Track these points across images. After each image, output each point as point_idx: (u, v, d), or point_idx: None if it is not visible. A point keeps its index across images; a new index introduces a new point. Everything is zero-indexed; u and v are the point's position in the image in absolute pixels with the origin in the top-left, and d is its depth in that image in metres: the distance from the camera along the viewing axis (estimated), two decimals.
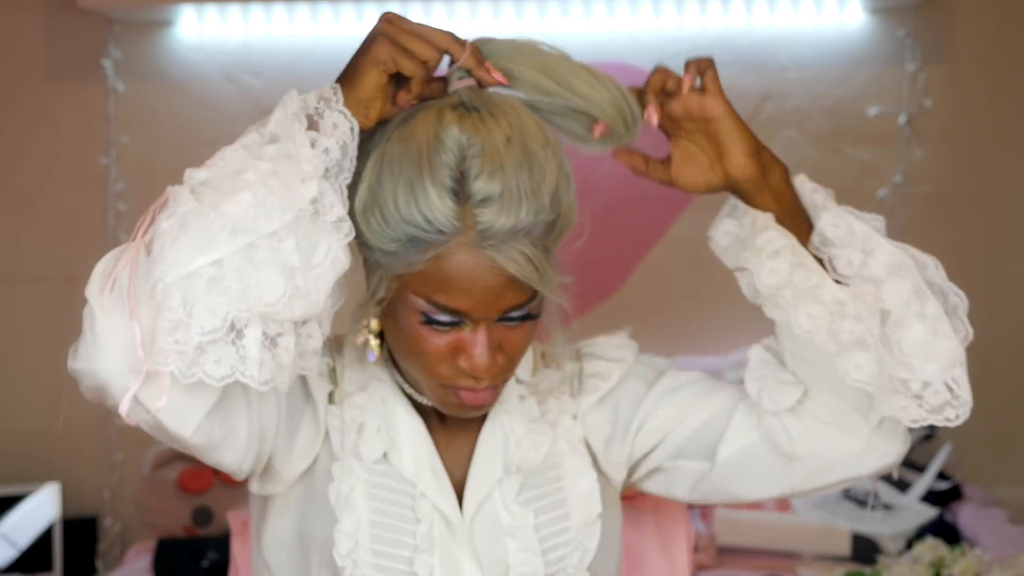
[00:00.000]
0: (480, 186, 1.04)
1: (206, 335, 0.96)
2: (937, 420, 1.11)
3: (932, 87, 3.28)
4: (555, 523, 1.20)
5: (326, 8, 3.26)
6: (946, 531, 2.79)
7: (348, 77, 1.07)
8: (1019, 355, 3.33)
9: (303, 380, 1.18)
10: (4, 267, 3.40)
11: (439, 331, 1.10)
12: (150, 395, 1.00)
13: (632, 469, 1.26)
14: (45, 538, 3.15)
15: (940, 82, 3.28)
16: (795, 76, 3.31)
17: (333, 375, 1.21)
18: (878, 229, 1.15)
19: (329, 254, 1.01)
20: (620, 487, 1.28)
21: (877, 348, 1.07)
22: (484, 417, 1.22)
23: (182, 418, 1.03)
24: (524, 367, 1.25)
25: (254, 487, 1.20)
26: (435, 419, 1.22)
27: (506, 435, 1.21)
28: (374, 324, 1.15)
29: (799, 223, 1.15)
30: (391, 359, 1.21)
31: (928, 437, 3.13)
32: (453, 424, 1.22)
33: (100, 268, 1.07)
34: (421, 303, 1.08)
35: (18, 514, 3.02)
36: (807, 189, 1.19)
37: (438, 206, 1.04)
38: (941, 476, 3.00)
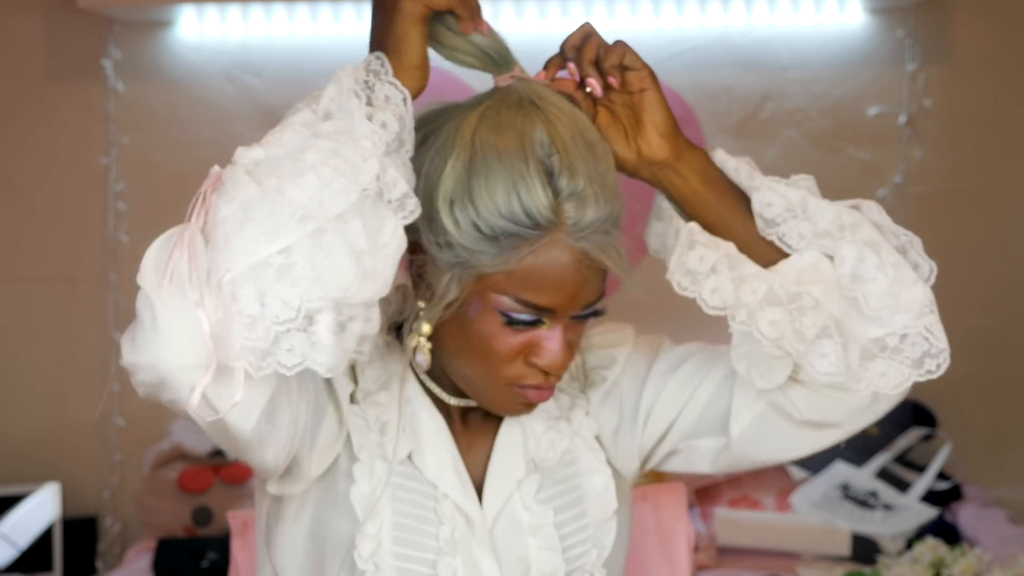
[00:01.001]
0: (565, 182, 1.04)
1: (281, 325, 0.93)
2: (919, 375, 1.14)
3: (932, 87, 3.28)
4: (574, 521, 1.20)
5: (326, 8, 3.26)
6: (946, 531, 2.79)
7: (388, 45, 1.05)
8: (1019, 355, 3.33)
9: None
10: (4, 267, 3.40)
11: (518, 331, 1.08)
12: (220, 391, 0.97)
13: (646, 458, 1.25)
14: (45, 538, 3.15)
15: (940, 82, 3.28)
16: (795, 76, 3.31)
17: (352, 373, 1.18)
18: (810, 189, 1.14)
19: (395, 234, 0.99)
20: (632, 478, 1.27)
21: (840, 327, 1.06)
22: (500, 417, 1.21)
23: (245, 413, 1.00)
24: None
25: (272, 487, 1.16)
26: (456, 419, 1.20)
27: (525, 434, 1.20)
28: (426, 328, 1.11)
29: (734, 200, 1.12)
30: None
31: (928, 437, 3.13)
32: (473, 425, 1.21)
33: (153, 255, 1.02)
34: (507, 302, 1.06)
35: (18, 514, 3.02)
36: (729, 168, 1.14)
37: (539, 199, 1.03)
38: (941, 476, 3.00)
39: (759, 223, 1.09)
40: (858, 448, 3.05)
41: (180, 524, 3.06)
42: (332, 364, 0.96)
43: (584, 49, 1.14)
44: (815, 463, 3.00)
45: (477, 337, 1.09)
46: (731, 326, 1.11)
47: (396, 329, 1.19)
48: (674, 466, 1.25)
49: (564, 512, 1.20)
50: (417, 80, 1.05)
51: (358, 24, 3.28)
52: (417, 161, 1.06)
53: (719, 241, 1.10)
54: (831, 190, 3.62)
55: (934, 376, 1.14)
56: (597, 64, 1.14)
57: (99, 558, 3.35)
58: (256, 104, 3.35)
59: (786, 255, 1.09)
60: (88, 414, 3.41)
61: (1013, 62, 3.29)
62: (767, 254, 1.09)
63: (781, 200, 1.10)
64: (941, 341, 1.15)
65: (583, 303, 1.09)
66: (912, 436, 3.08)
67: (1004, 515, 2.95)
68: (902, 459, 3.08)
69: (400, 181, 0.99)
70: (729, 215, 1.10)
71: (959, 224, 3.31)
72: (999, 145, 3.31)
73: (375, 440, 1.15)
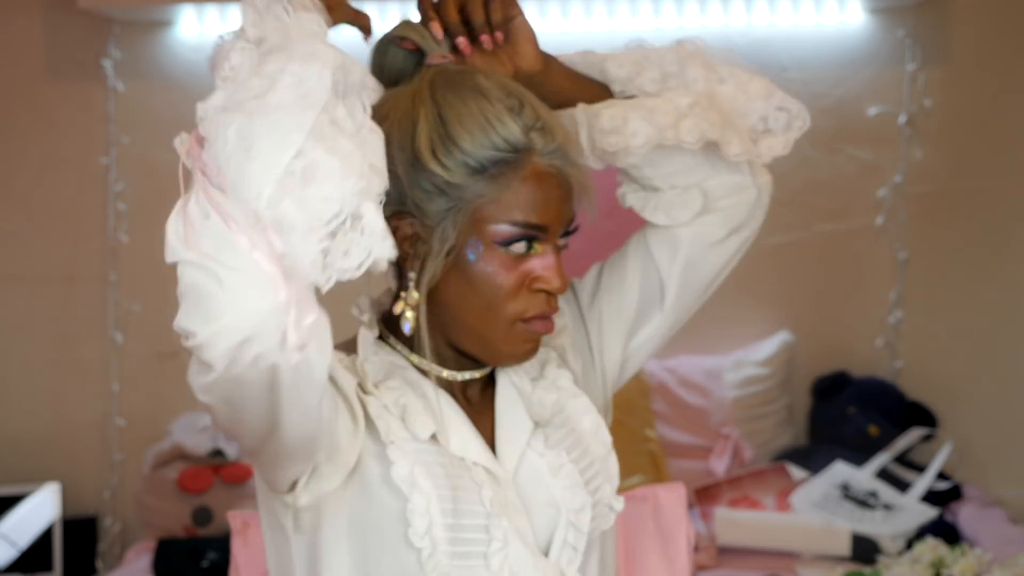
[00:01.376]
0: (528, 115, 1.15)
1: (330, 224, 0.96)
2: (792, 136, 1.30)
3: (932, 87, 3.28)
4: (582, 459, 1.24)
5: None
6: (946, 531, 2.79)
7: None
8: (1019, 355, 3.33)
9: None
10: (4, 267, 3.40)
11: (516, 260, 1.15)
12: (301, 318, 0.97)
13: (613, 378, 1.36)
14: (45, 538, 3.15)
15: (940, 82, 3.28)
16: (795, 76, 3.31)
17: (354, 367, 1.20)
18: (642, 44, 1.31)
19: (367, 112, 1.04)
20: (608, 399, 1.36)
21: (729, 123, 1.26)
22: (492, 384, 1.26)
23: (322, 347, 1.00)
24: None
25: (303, 499, 1.14)
26: (459, 396, 1.24)
27: (521, 394, 1.25)
28: (414, 296, 1.17)
29: (593, 84, 1.31)
30: (408, 342, 1.22)
31: (928, 437, 3.13)
32: (473, 400, 1.25)
33: (172, 230, 1.06)
34: (504, 229, 1.14)
35: (18, 514, 3.02)
36: (577, 62, 1.32)
37: (513, 128, 1.14)
38: (941, 476, 3.01)
39: (616, 88, 1.30)
40: (858, 448, 3.05)
41: (180, 524, 3.06)
42: (392, 253, 1.00)
43: (445, 9, 1.23)
44: (815, 463, 3.00)
45: (480, 278, 1.16)
46: (640, 171, 1.31)
47: (385, 325, 1.24)
48: (635, 363, 1.37)
49: (572, 452, 1.24)
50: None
51: None
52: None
53: (609, 100, 1.28)
54: (831, 190, 3.62)
55: (802, 132, 1.31)
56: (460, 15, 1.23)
57: (99, 558, 3.36)
58: None
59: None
60: (88, 414, 3.41)
61: (1013, 62, 3.29)
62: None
63: (626, 60, 1.30)
64: (795, 105, 1.31)
65: (566, 220, 1.19)
66: (912, 436, 3.08)
67: (1004, 515, 2.95)
68: (902, 459, 3.08)
69: (356, 64, 1.04)
70: (596, 96, 1.29)
71: (959, 224, 3.32)
72: (999, 145, 3.31)
73: (399, 423, 1.17)
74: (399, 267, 1.20)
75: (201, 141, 1.04)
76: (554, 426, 1.25)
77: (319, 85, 0.97)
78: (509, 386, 1.26)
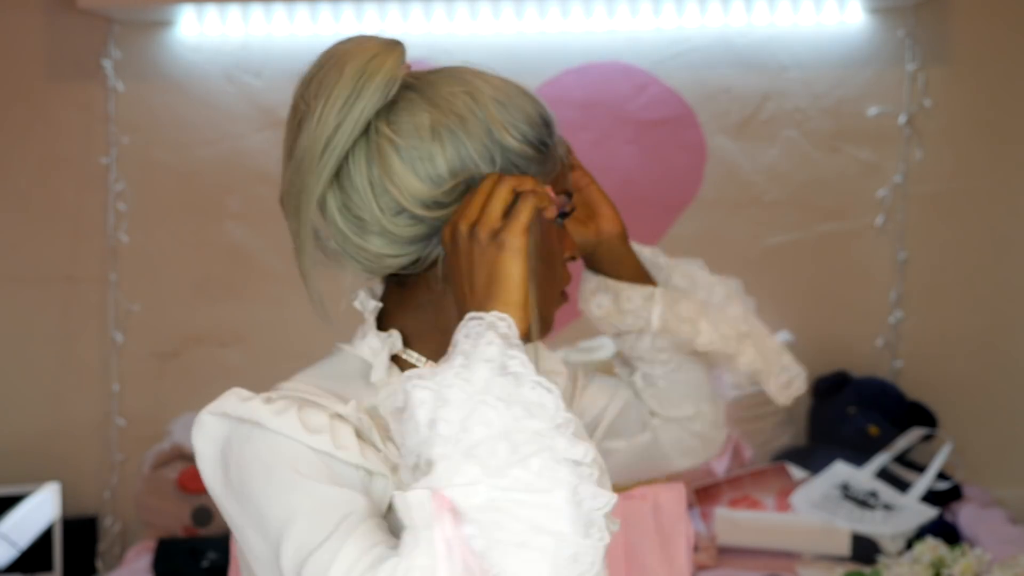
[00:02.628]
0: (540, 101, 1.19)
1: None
2: (790, 394, 1.55)
3: (932, 87, 3.28)
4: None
5: (326, 8, 3.26)
6: (946, 531, 2.79)
7: (492, 291, 1.03)
8: (1019, 355, 3.33)
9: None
10: (4, 267, 3.40)
11: (562, 231, 1.19)
12: None
13: None
14: (45, 538, 3.15)
15: (940, 82, 3.28)
16: (795, 76, 3.31)
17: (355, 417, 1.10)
18: (702, 267, 1.47)
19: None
20: None
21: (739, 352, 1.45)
22: None
23: None
24: None
25: None
26: None
27: None
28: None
29: (645, 278, 1.40)
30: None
31: (928, 437, 3.13)
32: None
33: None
34: (561, 201, 1.15)
35: (18, 514, 3.02)
36: (646, 253, 1.42)
37: (549, 119, 1.17)
38: (941, 476, 3.00)
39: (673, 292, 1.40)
40: (858, 448, 3.05)
41: (180, 524, 3.06)
42: None
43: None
44: (815, 463, 3.00)
45: (548, 253, 1.15)
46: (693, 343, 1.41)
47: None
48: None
49: None
50: (526, 320, 1.03)
51: (358, 24, 3.28)
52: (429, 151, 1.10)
53: (685, 292, 1.40)
54: (831, 190, 3.62)
55: (801, 393, 1.58)
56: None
57: (99, 558, 3.35)
58: (256, 104, 3.35)
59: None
60: (88, 414, 3.42)
61: (1013, 62, 3.29)
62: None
63: (684, 272, 1.45)
64: (795, 369, 1.56)
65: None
66: (912, 436, 3.08)
67: (1004, 515, 2.95)
68: (902, 459, 3.08)
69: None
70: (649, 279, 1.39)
71: (959, 224, 3.31)
72: (999, 145, 3.31)
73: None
74: (404, 279, 1.15)
75: (454, 515, 0.92)
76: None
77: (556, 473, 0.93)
78: None
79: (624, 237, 1.35)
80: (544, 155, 1.13)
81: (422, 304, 1.14)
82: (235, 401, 1.05)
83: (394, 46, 1.10)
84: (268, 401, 1.05)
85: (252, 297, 3.38)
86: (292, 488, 1.00)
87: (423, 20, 3.28)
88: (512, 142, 1.10)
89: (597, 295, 1.38)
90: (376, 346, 1.14)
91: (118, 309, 3.38)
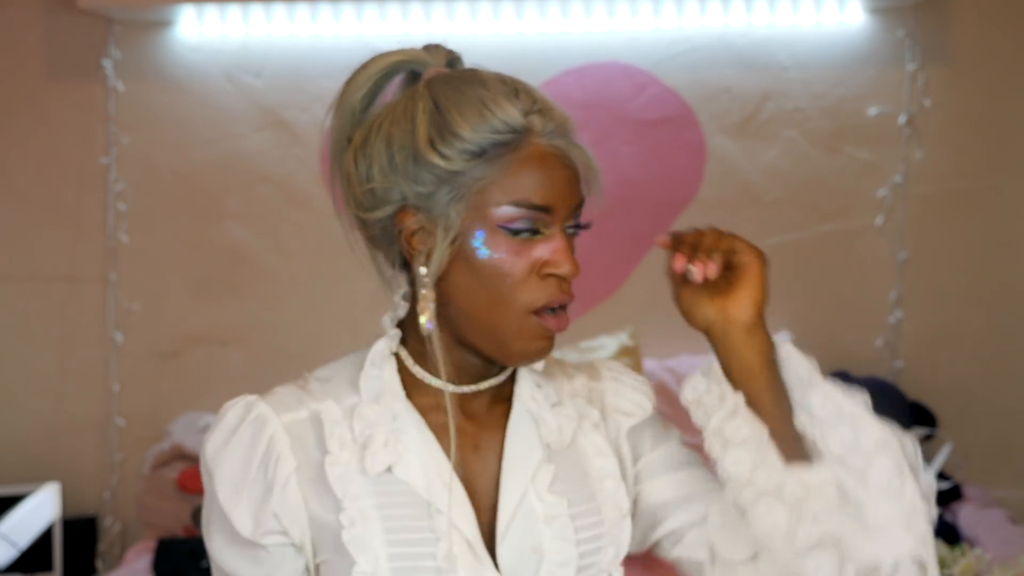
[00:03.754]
0: (524, 99, 1.15)
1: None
2: None
3: (932, 87, 3.28)
4: (588, 515, 1.20)
5: (326, 8, 3.26)
6: (946, 531, 2.79)
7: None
8: (1019, 355, 3.33)
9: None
10: (4, 267, 3.40)
11: (522, 244, 1.13)
12: None
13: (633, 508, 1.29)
14: (45, 538, 3.15)
15: (940, 82, 3.28)
16: (795, 76, 3.31)
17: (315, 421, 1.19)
18: (863, 403, 1.17)
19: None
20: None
21: (839, 543, 1.10)
22: (508, 409, 1.22)
23: None
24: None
25: None
26: (460, 414, 1.20)
27: (535, 419, 1.22)
28: (425, 293, 1.16)
29: (779, 386, 1.17)
30: (420, 350, 1.19)
31: (928, 437, 3.13)
32: (478, 418, 1.21)
33: None
34: (507, 211, 1.12)
35: (18, 514, 3.02)
36: (794, 363, 1.18)
37: (510, 110, 1.13)
38: (941, 476, 3.00)
39: (803, 418, 1.15)
40: None
41: (180, 524, 3.06)
42: None
43: (700, 240, 1.19)
44: None
45: (487, 267, 1.14)
46: (733, 497, 1.17)
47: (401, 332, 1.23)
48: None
49: (578, 505, 1.20)
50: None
51: (358, 24, 3.28)
52: (373, 147, 1.16)
53: (758, 421, 1.16)
54: (831, 190, 3.62)
55: None
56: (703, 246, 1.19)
57: (99, 558, 3.35)
58: (256, 104, 3.35)
59: (801, 453, 1.14)
60: (88, 414, 3.42)
61: (1013, 62, 3.29)
62: (785, 448, 1.14)
63: (835, 405, 1.15)
64: (932, 564, 1.14)
65: (572, 204, 1.16)
66: (912, 436, 3.08)
67: (1004, 515, 2.95)
68: None
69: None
70: (770, 398, 1.16)
71: (959, 224, 3.32)
72: (999, 145, 3.31)
73: (356, 456, 1.16)
74: (409, 268, 1.19)
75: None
76: (566, 472, 1.21)
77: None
78: (523, 414, 1.22)
79: (752, 330, 1.16)
80: (488, 155, 1.13)
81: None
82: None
83: (420, 49, 1.21)
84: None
85: (252, 297, 3.38)
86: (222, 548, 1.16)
87: (423, 20, 3.28)
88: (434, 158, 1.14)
89: (698, 376, 1.23)
90: (382, 346, 1.21)
91: (118, 309, 3.38)
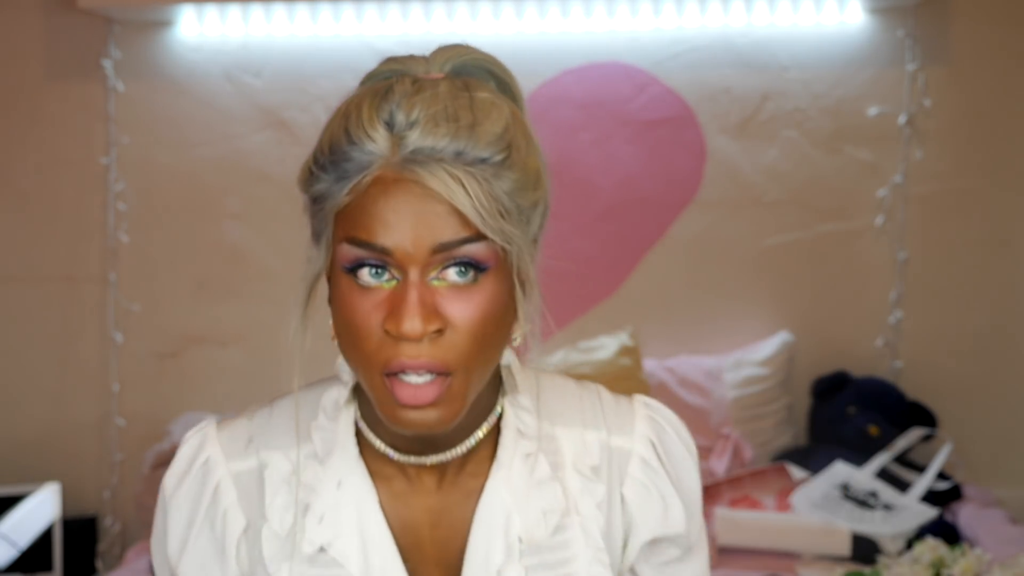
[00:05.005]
0: (405, 110, 0.94)
1: None
2: None
3: (932, 87, 3.28)
4: None
5: (326, 8, 3.26)
6: (946, 531, 2.78)
7: None
8: (1019, 355, 3.33)
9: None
10: (4, 267, 3.40)
11: (364, 289, 0.94)
12: None
13: None
14: (45, 538, 3.15)
15: (940, 82, 3.28)
16: (795, 76, 3.31)
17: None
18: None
19: None
20: None
21: None
22: (482, 475, 1.04)
23: None
24: (525, 387, 1.07)
25: None
26: (428, 482, 1.04)
27: (506, 507, 1.02)
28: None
29: None
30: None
31: (928, 437, 3.13)
32: (447, 487, 1.04)
33: None
34: (344, 249, 0.95)
35: (18, 514, 3.02)
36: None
37: (366, 122, 0.94)
38: (941, 476, 3.00)
39: None
40: (858, 448, 3.05)
41: None
42: None
43: None
44: (815, 463, 3.00)
45: (338, 309, 0.97)
46: None
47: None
48: None
49: None
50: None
51: (358, 24, 3.28)
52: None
53: None
54: (831, 190, 3.62)
55: None
56: None
57: (99, 558, 3.35)
58: (256, 104, 3.35)
59: None
60: (88, 414, 3.42)
61: (1013, 62, 3.29)
62: None
63: None
64: None
65: (430, 244, 0.92)
66: (912, 436, 3.08)
67: (1004, 515, 2.95)
68: (902, 459, 3.08)
69: None
70: None
71: (959, 224, 3.32)
72: (999, 145, 3.31)
73: (287, 528, 1.03)
74: None
75: None
76: (545, 563, 1.03)
77: None
78: (495, 497, 1.02)
79: None
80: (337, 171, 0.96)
81: None
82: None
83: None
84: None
85: (251, 297, 3.38)
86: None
87: (423, 20, 3.28)
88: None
89: None
90: (333, 394, 1.07)
91: (118, 309, 3.38)
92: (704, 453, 3.13)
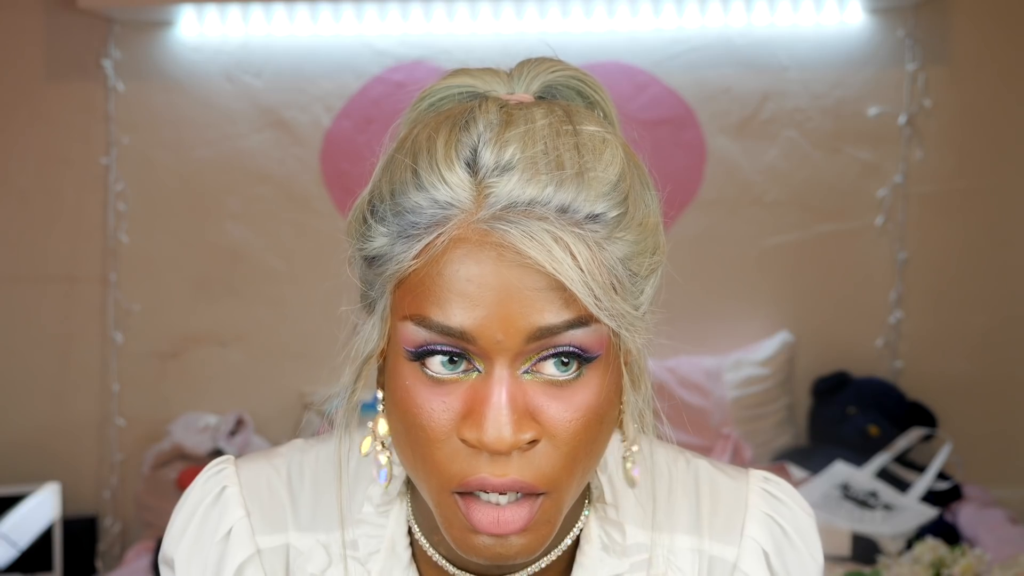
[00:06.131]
0: (494, 150, 0.73)
1: None
2: None
3: (932, 87, 3.28)
4: None
5: (326, 8, 3.26)
6: (946, 531, 2.78)
7: None
8: (1019, 355, 3.33)
9: None
10: (4, 267, 3.40)
11: (434, 381, 0.74)
12: None
13: None
14: (45, 538, 3.15)
15: (940, 82, 3.28)
16: (795, 76, 3.31)
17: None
18: None
19: None
20: None
21: None
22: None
23: None
24: (611, 480, 0.87)
25: None
26: None
27: None
28: (382, 426, 0.79)
29: None
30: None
31: (928, 437, 3.13)
32: None
33: None
34: (408, 331, 0.74)
35: (18, 514, 3.02)
36: None
37: (439, 166, 0.73)
38: (941, 476, 3.00)
39: None
40: (858, 448, 3.05)
41: None
42: None
43: None
44: (815, 463, 3.00)
45: (400, 410, 0.76)
46: None
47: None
48: None
49: None
50: None
51: (358, 24, 3.28)
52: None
53: None
54: (831, 190, 3.62)
55: None
56: None
57: (99, 558, 3.35)
58: (256, 104, 3.35)
59: None
60: (88, 414, 3.42)
61: (1013, 62, 3.29)
62: None
63: None
64: None
65: (525, 329, 0.72)
66: (912, 436, 3.08)
67: (1004, 515, 2.94)
68: (902, 459, 3.08)
69: None
70: None
71: (959, 224, 3.32)
72: (999, 145, 3.31)
73: None
74: None
75: None
76: None
77: None
78: None
79: None
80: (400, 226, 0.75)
81: None
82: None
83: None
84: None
85: (252, 297, 3.38)
86: None
87: (423, 20, 3.28)
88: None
89: None
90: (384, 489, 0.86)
91: (118, 309, 3.38)
92: (704, 453, 3.12)
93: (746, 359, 3.26)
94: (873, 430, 3.11)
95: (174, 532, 0.89)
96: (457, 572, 0.83)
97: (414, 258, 0.73)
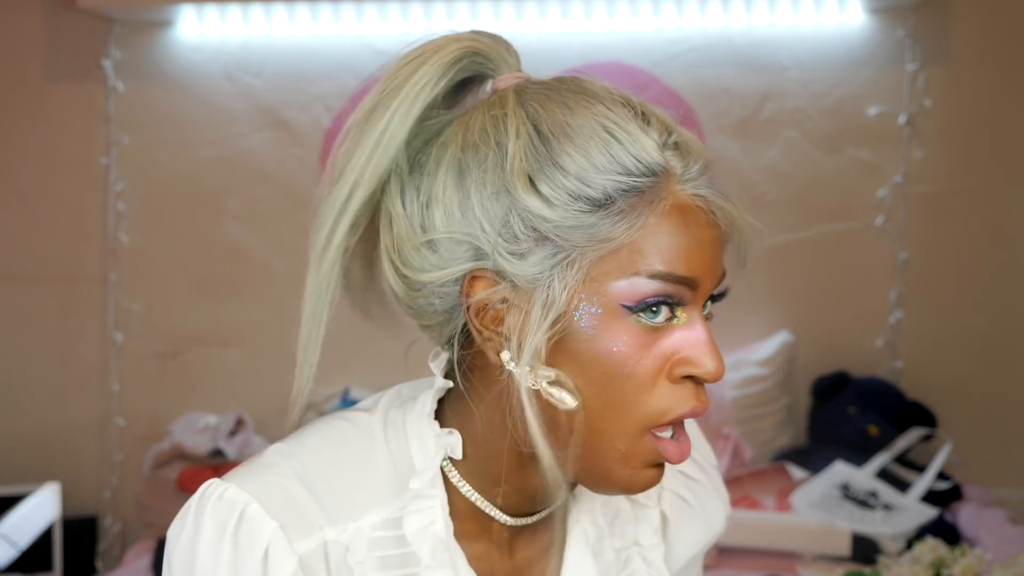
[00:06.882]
0: (658, 129, 0.86)
1: None
2: None
3: (932, 87, 3.28)
4: None
5: (326, 8, 3.26)
6: (946, 531, 2.78)
7: None
8: (1019, 355, 3.33)
9: None
10: (4, 267, 3.40)
11: (652, 332, 0.83)
12: None
13: None
14: (45, 538, 3.15)
15: (940, 82, 3.28)
16: (795, 76, 3.31)
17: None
18: None
19: None
20: None
21: None
22: (556, 532, 0.97)
23: None
24: None
25: None
26: (503, 546, 0.94)
27: (594, 553, 0.97)
28: (546, 370, 0.84)
29: None
30: (471, 465, 0.92)
31: (928, 437, 3.13)
32: (520, 548, 0.95)
33: None
34: (641, 284, 0.82)
35: (18, 514, 3.02)
36: None
37: (646, 142, 0.84)
38: (941, 476, 3.00)
39: None
40: (858, 448, 3.05)
41: None
42: None
43: None
44: (815, 463, 3.00)
45: (601, 362, 0.82)
46: None
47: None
48: None
49: None
50: None
51: (358, 24, 3.28)
52: (437, 180, 0.87)
53: None
54: (831, 190, 3.62)
55: None
56: None
57: (99, 558, 3.35)
58: (256, 104, 3.35)
59: None
60: (88, 414, 3.42)
61: (1013, 62, 3.29)
62: None
63: None
64: None
65: (719, 271, 0.89)
66: (912, 436, 3.08)
67: (1004, 515, 2.95)
68: (902, 459, 3.08)
69: None
70: None
71: (959, 224, 3.32)
72: (999, 145, 3.31)
73: None
74: (464, 349, 0.89)
75: None
76: None
77: None
78: (582, 539, 0.96)
79: None
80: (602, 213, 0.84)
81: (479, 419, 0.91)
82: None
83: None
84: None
85: (252, 297, 3.38)
86: None
87: (423, 20, 3.28)
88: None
89: None
90: (430, 449, 0.91)
91: (118, 309, 3.38)
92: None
93: (746, 359, 3.26)
94: (873, 430, 3.11)
95: (204, 567, 0.87)
96: (511, 520, 0.91)
97: (634, 228, 0.82)
